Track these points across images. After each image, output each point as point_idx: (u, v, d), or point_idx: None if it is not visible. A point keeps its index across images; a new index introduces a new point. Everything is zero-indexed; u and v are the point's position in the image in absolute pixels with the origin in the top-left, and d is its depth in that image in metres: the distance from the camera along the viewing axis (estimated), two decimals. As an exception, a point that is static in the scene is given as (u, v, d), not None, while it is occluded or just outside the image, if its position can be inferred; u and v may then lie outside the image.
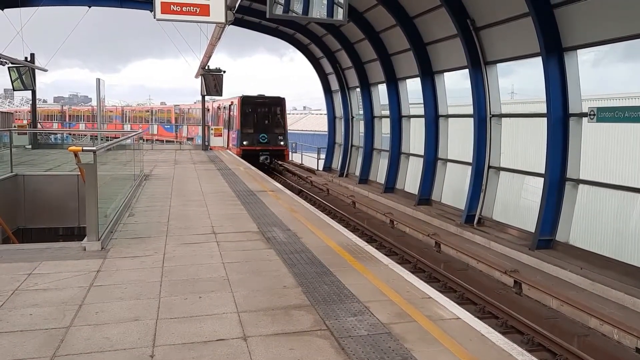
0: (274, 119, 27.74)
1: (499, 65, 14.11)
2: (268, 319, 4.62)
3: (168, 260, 6.40)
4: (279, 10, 9.16)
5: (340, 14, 9.36)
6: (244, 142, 26.43)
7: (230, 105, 29.19)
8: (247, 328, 4.43)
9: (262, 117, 27.45)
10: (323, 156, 28.67)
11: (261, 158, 26.22)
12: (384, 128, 21.85)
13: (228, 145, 28.51)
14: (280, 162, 28.82)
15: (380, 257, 6.77)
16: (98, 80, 17.78)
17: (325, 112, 29.60)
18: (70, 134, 37.81)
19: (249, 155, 24.76)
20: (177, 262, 6.34)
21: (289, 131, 29.51)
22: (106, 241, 7.15)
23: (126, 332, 4.30)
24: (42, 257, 6.41)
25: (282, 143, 27.24)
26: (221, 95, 26.73)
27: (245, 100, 27.36)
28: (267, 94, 28.31)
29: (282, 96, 28.79)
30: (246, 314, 4.74)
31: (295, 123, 57.78)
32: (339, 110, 27.00)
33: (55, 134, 34.71)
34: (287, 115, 29.01)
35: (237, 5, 11.45)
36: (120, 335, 4.24)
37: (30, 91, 24.97)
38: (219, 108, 33.04)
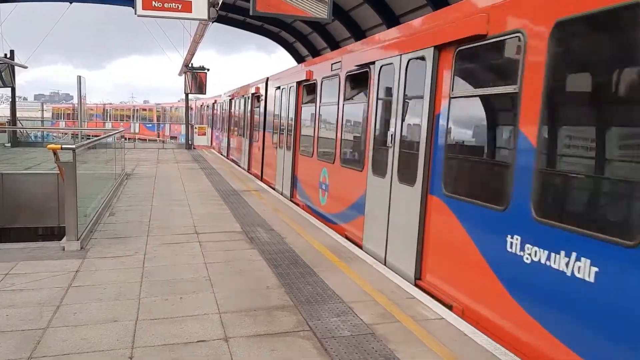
0: None
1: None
2: (250, 320, 4.56)
3: (149, 261, 6.30)
4: (263, 8, 9.11)
5: (325, 12, 9.34)
6: None
7: (381, 71, 7.01)
8: (228, 329, 4.36)
9: None
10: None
11: None
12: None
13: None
14: None
15: (365, 257, 6.73)
16: (79, 77, 17.52)
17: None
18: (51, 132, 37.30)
19: None
20: (158, 263, 6.24)
21: None
22: (86, 241, 7.02)
23: (105, 333, 4.21)
24: (20, 257, 6.27)
25: None
26: (204, 93, 26.19)
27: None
28: None
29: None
30: (228, 314, 4.67)
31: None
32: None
33: (36, 131, 34.13)
34: None
35: (220, 2, 11.36)
36: (98, 336, 4.15)
37: (9, 88, 24.59)
38: (298, 93, 11.35)
